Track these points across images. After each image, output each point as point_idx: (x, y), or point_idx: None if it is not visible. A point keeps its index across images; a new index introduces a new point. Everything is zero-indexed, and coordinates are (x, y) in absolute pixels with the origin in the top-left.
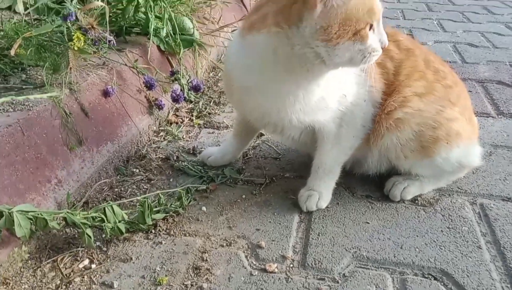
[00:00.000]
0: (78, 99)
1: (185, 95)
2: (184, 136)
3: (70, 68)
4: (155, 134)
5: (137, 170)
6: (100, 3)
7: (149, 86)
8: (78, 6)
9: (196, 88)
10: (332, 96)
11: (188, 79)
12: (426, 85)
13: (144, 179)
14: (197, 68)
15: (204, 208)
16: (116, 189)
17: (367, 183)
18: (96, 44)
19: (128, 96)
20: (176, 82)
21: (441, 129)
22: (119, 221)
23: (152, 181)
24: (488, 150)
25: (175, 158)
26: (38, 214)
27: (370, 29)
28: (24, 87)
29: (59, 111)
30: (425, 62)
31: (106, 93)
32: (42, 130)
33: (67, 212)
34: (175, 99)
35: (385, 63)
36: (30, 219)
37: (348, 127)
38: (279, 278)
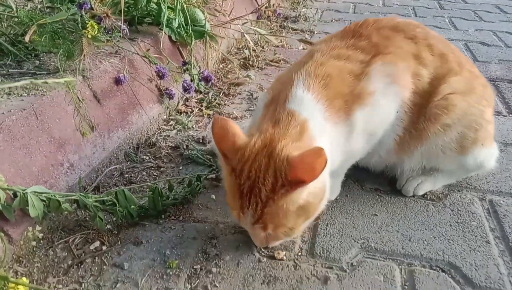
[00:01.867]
0: (90, 86)
1: (195, 85)
2: (194, 126)
3: (84, 56)
4: (165, 122)
5: (147, 157)
6: None
7: (161, 75)
8: None
9: (207, 79)
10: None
11: (199, 70)
12: (466, 82)
13: (154, 166)
14: (207, 60)
15: (213, 196)
16: (126, 175)
17: (376, 177)
18: (109, 32)
19: (139, 84)
20: (187, 72)
21: (481, 131)
22: (131, 206)
23: (161, 169)
24: (499, 148)
25: (184, 146)
26: (51, 196)
27: None
28: (37, 72)
29: (73, 97)
30: (459, 65)
31: (118, 81)
32: (55, 115)
33: (80, 195)
34: (186, 89)
35: (418, 71)
36: (43, 200)
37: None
38: (287, 266)
